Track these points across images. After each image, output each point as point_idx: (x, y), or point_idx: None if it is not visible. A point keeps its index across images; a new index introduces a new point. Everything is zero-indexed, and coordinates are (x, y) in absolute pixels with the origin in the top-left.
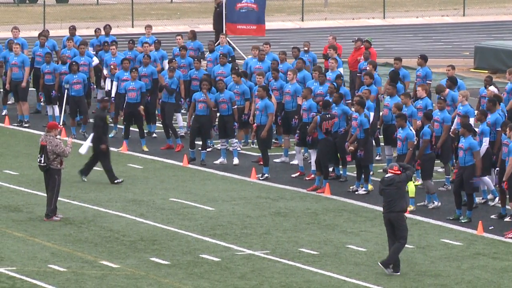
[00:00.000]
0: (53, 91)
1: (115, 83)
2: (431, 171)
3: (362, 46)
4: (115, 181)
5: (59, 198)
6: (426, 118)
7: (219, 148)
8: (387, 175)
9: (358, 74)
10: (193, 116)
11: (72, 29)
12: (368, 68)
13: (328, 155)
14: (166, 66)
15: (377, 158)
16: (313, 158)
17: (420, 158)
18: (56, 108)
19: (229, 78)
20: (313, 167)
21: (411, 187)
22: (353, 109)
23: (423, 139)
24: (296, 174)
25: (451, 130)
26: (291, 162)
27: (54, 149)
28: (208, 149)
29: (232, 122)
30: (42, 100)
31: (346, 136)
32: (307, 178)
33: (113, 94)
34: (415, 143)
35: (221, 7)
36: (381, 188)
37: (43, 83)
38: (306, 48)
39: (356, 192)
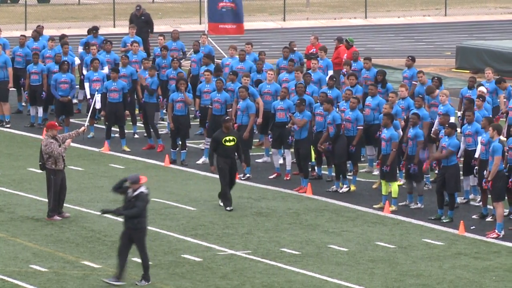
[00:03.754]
0: (43, 92)
1: (87, 84)
2: (421, 172)
3: (339, 45)
4: (227, 208)
5: (40, 199)
6: (418, 118)
7: (203, 148)
8: (146, 190)
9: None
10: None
11: (39, 28)
12: (345, 69)
13: (308, 154)
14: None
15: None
16: (289, 158)
17: (415, 161)
18: (40, 109)
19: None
20: (288, 167)
21: (394, 187)
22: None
23: (417, 140)
24: (273, 176)
25: (432, 130)
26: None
27: (44, 149)
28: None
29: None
30: (27, 100)
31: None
32: (286, 178)
33: (88, 96)
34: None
35: (146, 16)
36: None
37: (28, 83)
38: (294, 48)
39: (340, 191)
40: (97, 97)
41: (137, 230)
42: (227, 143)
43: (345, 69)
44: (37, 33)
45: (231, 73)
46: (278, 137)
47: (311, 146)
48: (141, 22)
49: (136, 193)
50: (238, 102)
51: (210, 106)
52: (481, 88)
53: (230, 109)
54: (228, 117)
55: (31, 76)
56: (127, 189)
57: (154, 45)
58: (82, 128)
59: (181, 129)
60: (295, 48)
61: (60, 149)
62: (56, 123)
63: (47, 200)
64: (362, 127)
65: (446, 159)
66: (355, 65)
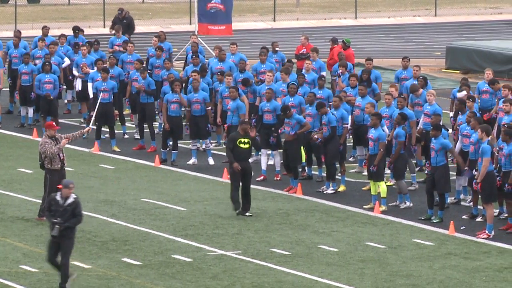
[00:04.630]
0: (32, 93)
1: (90, 84)
2: (403, 171)
3: (334, 46)
4: (236, 211)
5: (30, 199)
6: (402, 118)
7: (192, 148)
8: (74, 198)
9: (332, 78)
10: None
11: (46, 29)
12: (341, 71)
13: (297, 155)
14: None
15: (350, 159)
16: (277, 159)
17: (395, 159)
18: (30, 109)
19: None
20: (277, 168)
21: (382, 187)
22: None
23: (398, 140)
24: (261, 178)
25: (417, 130)
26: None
27: (40, 148)
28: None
29: (204, 123)
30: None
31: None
32: (276, 179)
33: (91, 95)
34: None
35: (129, 19)
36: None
37: (20, 84)
38: (277, 49)
39: (324, 192)
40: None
41: (70, 238)
42: (242, 145)
43: (340, 71)
44: (19, 33)
45: (219, 73)
46: (266, 139)
47: (301, 147)
48: (123, 26)
49: (70, 200)
50: (222, 103)
51: (188, 109)
52: (460, 94)
53: (209, 108)
54: (247, 120)
55: (22, 76)
56: (54, 198)
57: (146, 45)
58: (87, 129)
59: (174, 130)
60: (277, 49)
61: (54, 149)
62: (54, 123)
63: (39, 200)
64: (347, 125)
65: (436, 159)
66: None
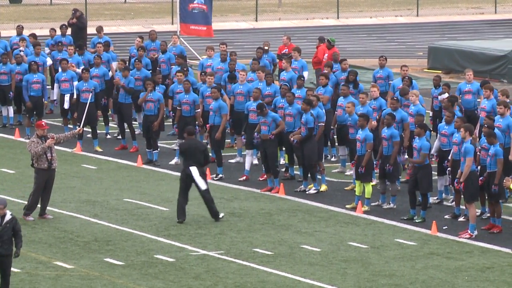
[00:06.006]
0: (11, 92)
1: (56, 85)
2: (397, 172)
3: (320, 45)
4: (178, 219)
5: (13, 199)
6: (392, 118)
7: (175, 148)
8: (11, 215)
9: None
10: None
11: (19, 29)
12: (326, 71)
13: (275, 154)
14: (115, 67)
15: (332, 159)
16: (249, 159)
17: (391, 161)
18: (11, 108)
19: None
20: (247, 167)
21: (368, 188)
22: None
23: (393, 141)
24: (243, 178)
25: None
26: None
27: (27, 147)
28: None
29: (194, 124)
30: None
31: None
32: (260, 179)
33: (55, 97)
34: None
35: (83, 22)
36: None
37: None
38: (266, 48)
39: (307, 192)
40: (66, 97)
41: (9, 255)
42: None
43: (326, 71)
44: None
45: (203, 73)
46: (252, 138)
47: (282, 146)
48: (77, 28)
49: (8, 217)
50: (203, 103)
51: (178, 108)
52: (441, 97)
53: (199, 110)
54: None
55: (0, 76)
56: None
57: (128, 45)
58: (78, 129)
59: (150, 128)
60: (266, 47)
61: (39, 148)
62: (43, 123)
63: (21, 200)
64: (323, 124)
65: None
66: (336, 66)
